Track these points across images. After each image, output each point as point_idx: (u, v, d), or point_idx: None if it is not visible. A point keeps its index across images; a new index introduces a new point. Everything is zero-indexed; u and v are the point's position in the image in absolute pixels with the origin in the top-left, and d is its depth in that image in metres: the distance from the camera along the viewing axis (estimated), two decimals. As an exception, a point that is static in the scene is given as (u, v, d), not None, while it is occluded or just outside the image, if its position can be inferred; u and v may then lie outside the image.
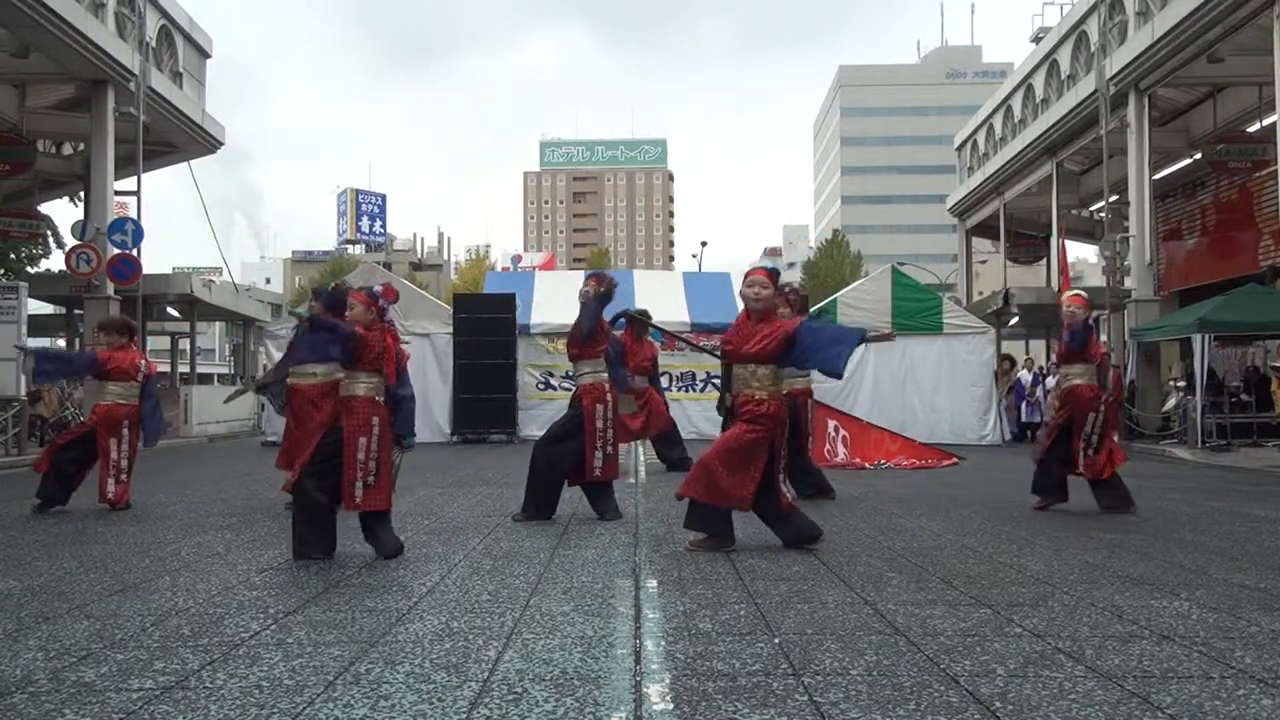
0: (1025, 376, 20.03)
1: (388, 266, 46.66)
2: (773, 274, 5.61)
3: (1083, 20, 23.06)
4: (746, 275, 5.60)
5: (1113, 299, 20.84)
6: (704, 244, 50.01)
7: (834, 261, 62.03)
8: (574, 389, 7.04)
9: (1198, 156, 22.10)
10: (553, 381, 17.85)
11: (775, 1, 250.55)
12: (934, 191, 71.14)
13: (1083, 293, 7.97)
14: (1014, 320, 24.26)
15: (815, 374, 17.87)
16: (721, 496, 5.44)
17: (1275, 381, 17.40)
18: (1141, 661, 3.24)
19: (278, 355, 15.78)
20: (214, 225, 34.87)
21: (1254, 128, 21.00)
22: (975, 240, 34.64)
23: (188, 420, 22.06)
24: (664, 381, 13.35)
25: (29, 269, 24.83)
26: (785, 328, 5.45)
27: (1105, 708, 2.75)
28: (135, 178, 19.93)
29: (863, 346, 5.85)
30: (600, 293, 6.79)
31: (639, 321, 9.59)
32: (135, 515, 7.40)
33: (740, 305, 7.89)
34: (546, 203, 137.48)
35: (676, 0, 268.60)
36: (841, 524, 6.69)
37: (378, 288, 5.53)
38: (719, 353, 5.76)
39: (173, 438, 20.55)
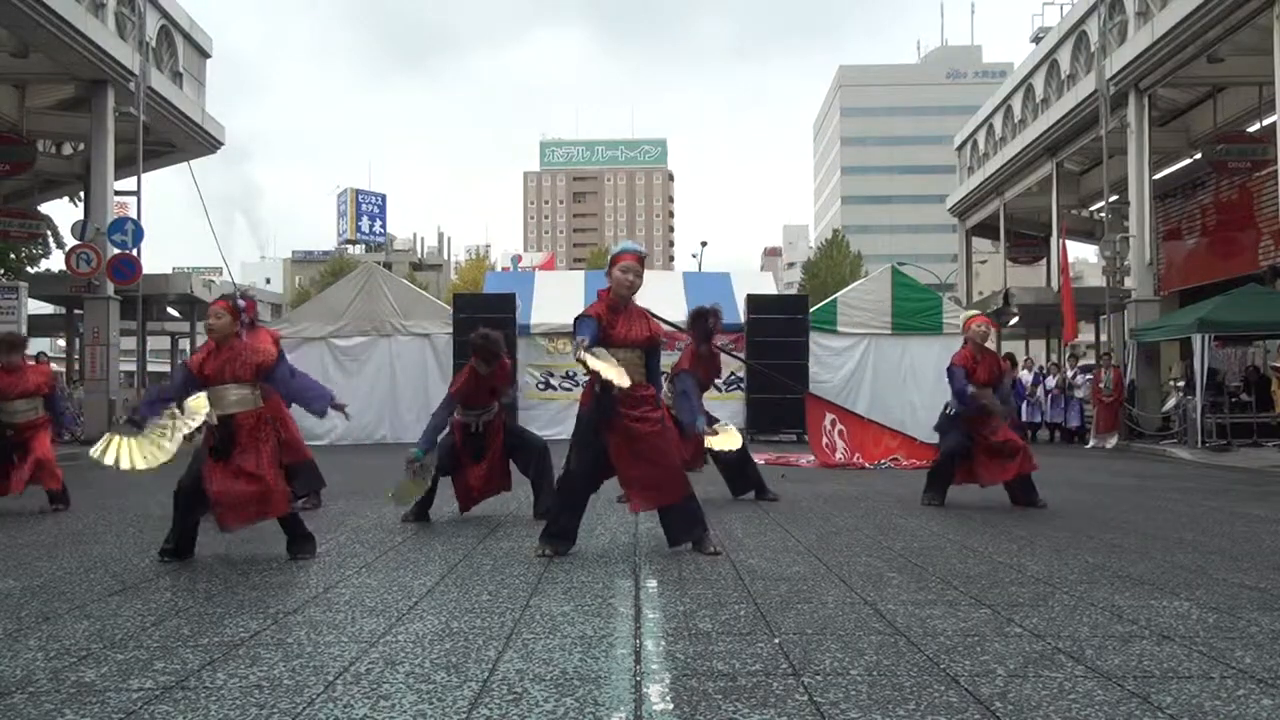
0: (1025, 376, 20.04)
1: (388, 266, 46.66)
2: (642, 258, 5.60)
3: (1083, 20, 23.08)
4: (622, 260, 5.45)
5: (1113, 299, 20.86)
6: (704, 244, 49.91)
7: (834, 261, 61.98)
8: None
9: (1198, 156, 22.12)
10: (553, 381, 17.86)
11: (775, 1, 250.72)
12: (934, 191, 71.09)
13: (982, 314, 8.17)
14: (1014, 320, 24.27)
15: (813, 374, 17.67)
16: (685, 479, 5.53)
17: (1275, 381, 17.40)
18: (1141, 661, 3.24)
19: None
20: (214, 225, 34.88)
21: (1254, 128, 21.02)
22: (975, 240, 34.66)
23: (188, 420, 22.04)
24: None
25: (29, 269, 24.84)
26: (655, 329, 5.56)
27: (1105, 708, 2.75)
28: (135, 178, 19.95)
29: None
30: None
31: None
32: (135, 515, 7.41)
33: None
34: (546, 203, 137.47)
35: (677, 0, 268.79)
36: (841, 524, 6.69)
37: (241, 301, 5.61)
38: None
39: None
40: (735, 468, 8.28)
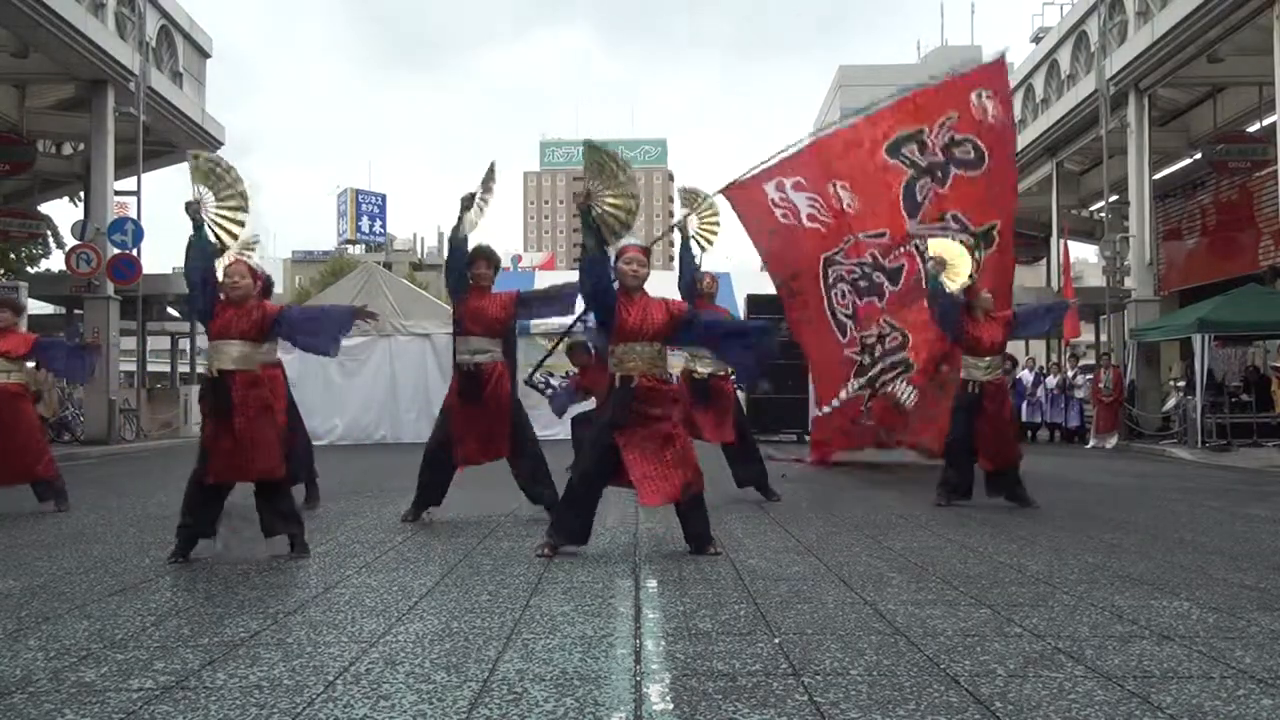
0: (1026, 376, 20.04)
1: (388, 266, 46.60)
2: (647, 251, 5.67)
3: (1083, 20, 23.07)
4: (624, 253, 5.48)
5: (1113, 299, 20.85)
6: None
7: (834, 261, 61.91)
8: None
9: (1198, 156, 22.11)
10: (553, 382, 17.81)
11: (775, 1, 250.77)
12: (934, 191, 70.97)
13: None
14: (1014, 320, 24.24)
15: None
16: (700, 475, 5.53)
17: (1275, 381, 17.41)
18: (1141, 661, 3.24)
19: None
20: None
21: (1254, 128, 21.00)
22: (975, 240, 34.58)
23: (187, 420, 22.07)
24: None
25: (29, 269, 24.84)
26: (673, 306, 5.49)
27: (1105, 708, 2.75)
28: (135, 178, 19.95)
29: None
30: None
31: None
32: (135, 515, 7.41)
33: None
34: (546, 203, 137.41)
35: (677, 0, 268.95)
36: (841, 524, 6.69)
37: (262, 271, 5.74)
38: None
39: (173, 437, 20.57)
40: (741, 455, 8.20)
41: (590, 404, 9.94)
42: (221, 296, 5.37)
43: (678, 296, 8.06)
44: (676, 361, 7.94)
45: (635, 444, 5.30)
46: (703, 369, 8.00)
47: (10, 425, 7.53)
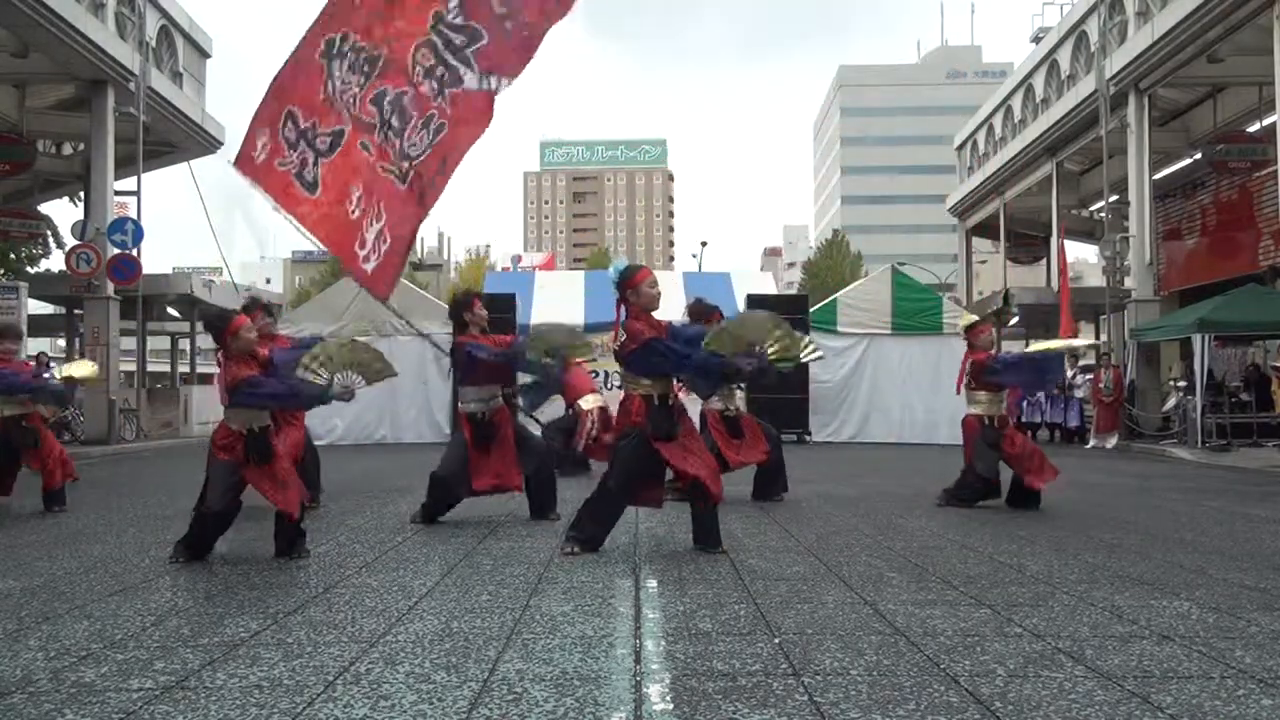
0: (1025, 376, 20.03)
1: (388, 266, 46.45)
2: None
3: (1083, 20, 23.10)
4: (646, 276, 5.49)
5: (1113, 299, 20.86)
6: (704, 244, 49.92)
7: (834, 261, 62.00)
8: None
9: (1198, 156, 22.12)
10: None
11: (775, 1, 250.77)
12: (934, 191, 71.05)
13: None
14: (1014, 320, 24.28)
15: (813, 374, 17.43)
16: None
17: (1275, 381, 17.41)
18: (1141, 661, 3.24)
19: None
20: (214, 224, 34.88)
21: (1254, 128, 21.02)
22: (975, 240, 34.66)
23: (187, 420, 22.08)
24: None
25: (29, 269, 24.84)
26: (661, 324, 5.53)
27: (1105, 708, 2.75)
28: (135, 178, 19.95)
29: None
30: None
31: None
32: (135, 515, 7.41)
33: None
34: (546, 203, 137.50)
35: (678, 0, 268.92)
36: (841, 524, 6.69)
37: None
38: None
39: (173, 438, 20.57)
40: (771, 471, 8.16)
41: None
42: (226, 355, 5.34)
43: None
44: (716, 406, 7.96)
45: (681, 453, 5.36)
46: (732, 407, 7.97)
47: (32, 447, 7.64)
